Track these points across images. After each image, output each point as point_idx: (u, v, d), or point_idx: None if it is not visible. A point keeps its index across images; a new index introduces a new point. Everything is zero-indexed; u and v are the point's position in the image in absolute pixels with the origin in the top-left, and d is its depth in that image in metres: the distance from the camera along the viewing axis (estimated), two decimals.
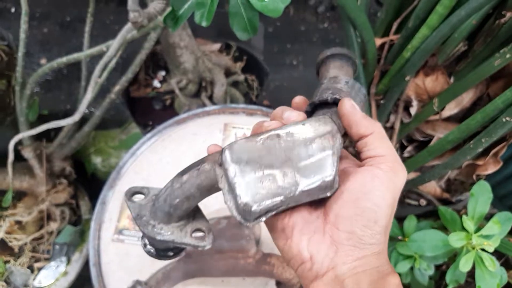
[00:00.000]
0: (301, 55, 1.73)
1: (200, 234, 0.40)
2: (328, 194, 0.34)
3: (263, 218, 0.33)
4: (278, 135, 0.35)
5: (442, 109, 0.86)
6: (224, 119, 0.77)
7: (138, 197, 0.42)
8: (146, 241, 0.41)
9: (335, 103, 0.39)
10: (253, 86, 1.10)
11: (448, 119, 0.92)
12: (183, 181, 0.36)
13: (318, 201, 0.35)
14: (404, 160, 0.95)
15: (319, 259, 0.32)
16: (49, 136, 1.00)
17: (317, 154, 0.34)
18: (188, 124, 0.76)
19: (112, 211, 0.69)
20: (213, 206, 0.71)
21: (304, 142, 0.35)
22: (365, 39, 0.74)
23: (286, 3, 0.55)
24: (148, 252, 0.42)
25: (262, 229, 0.68)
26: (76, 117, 0.74)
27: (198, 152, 0.68)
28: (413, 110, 0.85)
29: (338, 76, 0.42)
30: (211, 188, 0.36)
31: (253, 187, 0.33)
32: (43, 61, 1.69)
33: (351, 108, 0.36)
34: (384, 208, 0.32)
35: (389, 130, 0.94)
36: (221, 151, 0.34)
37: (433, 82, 0.83)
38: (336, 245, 0.32)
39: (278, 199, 0.33)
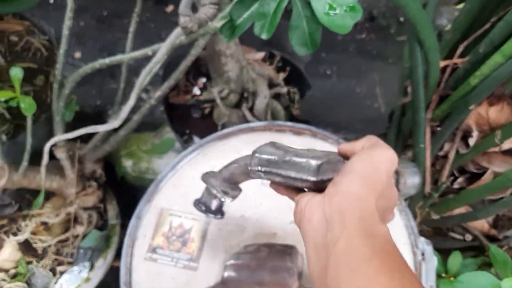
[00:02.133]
0: (336, 65, 1.67)
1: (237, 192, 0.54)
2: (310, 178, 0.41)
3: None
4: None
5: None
6: (270, 136, 0.73)
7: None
8: (201, 202, 0.55)
9: None
10: (295, 99, 1.05)
11: (506, 152, 0.86)
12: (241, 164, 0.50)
13: None
14: (454, 192, 0.89)
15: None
16: (82, 136, 0.97)
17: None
18: (231, 139, 0.72)
19: (147, 227, 0.65)
20: (251, 229, 0.67)
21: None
22: (431, 61, 0.68)
23: (355, 19, 0.50)
24: (199, 208, 0.55)
25: (304, 261, 0.63)
26: (116, 123, 0.71)
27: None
28: (472, 141, 0.79)
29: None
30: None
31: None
32: (77, 54, 1.68)
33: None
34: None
35: (441, 159, 0.88)
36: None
37: (497, 113, 0.77)
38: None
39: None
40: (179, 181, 0.68)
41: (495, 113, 0.77)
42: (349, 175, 0.38)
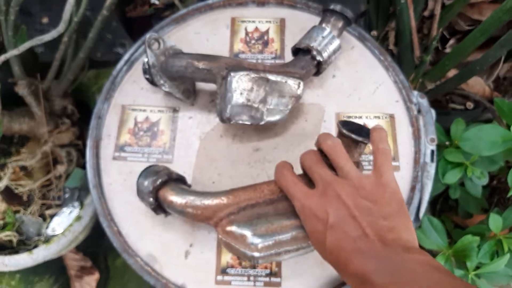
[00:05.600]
0: None
1: (187, 93, 0.59)
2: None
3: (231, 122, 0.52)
4: (267, 80, 0.52)
5: None
6: (231, 12, 0.65)
7: (154, 46, 0.55)
8: (147, 74, 0.58)
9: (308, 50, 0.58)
10: None
11: (497, 1, 0.78)
12: (194, 66, 0.53)
13: None
14: (445, 55, 0.81)
15: None
16: (43, 73, 0.90)
17: (281, 105, 0.55)
18: (189, 22, 0.65)
19: (110, 126, 0.59)
20: None
21: (279, 94, 0.54)
22: None
23: None
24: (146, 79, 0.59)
25: None
26: (60, 27, 0.64)
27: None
28: None
29: (325, 27, 0.59)
30: (207, 81, 0.55)
31: (235, 109, 0.52)
32: (44, 19, 1.60)
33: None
34: None
35: (428, 21, 0.80)
36: (229, 72, 0.50)
37: None
38: None
39: (246, 122, 0.53)
40: (137, 74, 0.62)
41: None
42: None
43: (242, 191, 0.48)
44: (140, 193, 0.50)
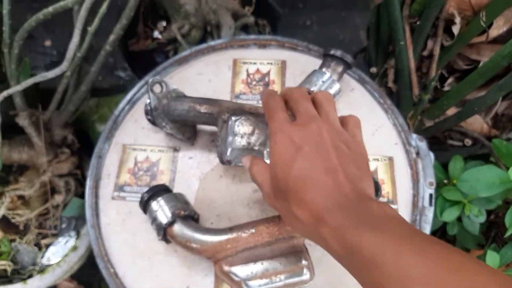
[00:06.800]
0: (314, 15, 1.59)
1: (188, 134, 0.61)
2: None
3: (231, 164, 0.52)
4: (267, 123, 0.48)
5: (490, 26, 0.73)
6: (233, 54, 0.66)
7: (157, 89, 0.55)
8: (149, 115, 0.59)
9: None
10: (266, 32, 0.98)
11: (495, 42, 0.79)
12: (196, 110, 0.53)
13: None
14: (444, 94, 0.82)
15: None
16: (47, 104, 0.91)
17: None
18: (191, 63, 0.66)
19: (110, 166, 0.59)
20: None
21: None
22: None
23: None
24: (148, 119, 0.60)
25: None
26: (63, 66, 0.65)
27: (204, 95, 0.57)
28: (456, 29, 0.72)
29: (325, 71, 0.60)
30: (209, 124, 0.55)
31: (235, 152, 0.51)
32: (47, 43, 1.62)
33: None
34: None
35: (427, 60, 0.81)
36: (230, 116, 0.51)
37: None
38: None
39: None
40: (139, 114, 0.62)
41: None
42: None
43: (242, 232, 0.49)
44: (151, 218, 0.51)
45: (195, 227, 0.50)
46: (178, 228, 0.50)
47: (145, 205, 0.51)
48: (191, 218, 0.53)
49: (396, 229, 0.32)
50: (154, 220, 0.51)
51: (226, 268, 0.48)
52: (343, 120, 0.44)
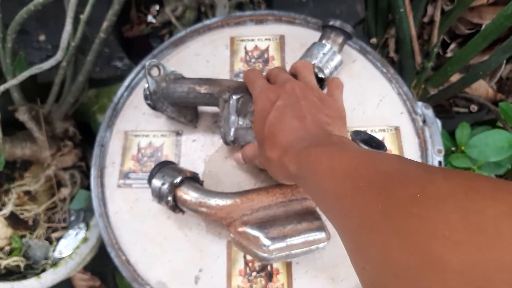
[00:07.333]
0: None
1: (189, 117, 0.59)
2: None
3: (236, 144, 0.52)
4: None
5: None
6: (230, 32, 0.65)
7: (154, 72, 0.54)
8: (149, 100, 0.56)
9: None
10: (262, 9, 0.96)
11: (496, 4, 0.77)
12: (196, 91, 0.52)
13: None
14: (447, 60, 0.80)
15: None
16: (46, 98, 0.90)
17: None
18: (187, 44, 0.64)
19: (114, 154, 0.59)
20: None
21: None
22: None
23: None
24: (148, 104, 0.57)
25: None
26: (58, 55, 0.63)
27: (203, 76, 0.56)
28: None
29: (325, 43, 0.58)
30: (210, 104, 0.54)
31: (239, 132, 0.51)
32: (41, 37, 1.60)
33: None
34: None
35: (428, 27, 0.79)
36: (231, 95, 0.50)
37: None
38: None
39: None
40: (138, 100, 0.61)
41: None
42: None
43: (256, 194, 0.49)
44: (155, 193, 0.50)
45: (206, 190, 0.50)
46: (190, 187, 0.49)
47: (152, 175, 0.51)
48: (197, 183, 0.52)
49: (341, 145, 0.36)
50: (163, 184, 0.49)
51: (241, 228, 0.47)
52: (326, 82, 0.51)
